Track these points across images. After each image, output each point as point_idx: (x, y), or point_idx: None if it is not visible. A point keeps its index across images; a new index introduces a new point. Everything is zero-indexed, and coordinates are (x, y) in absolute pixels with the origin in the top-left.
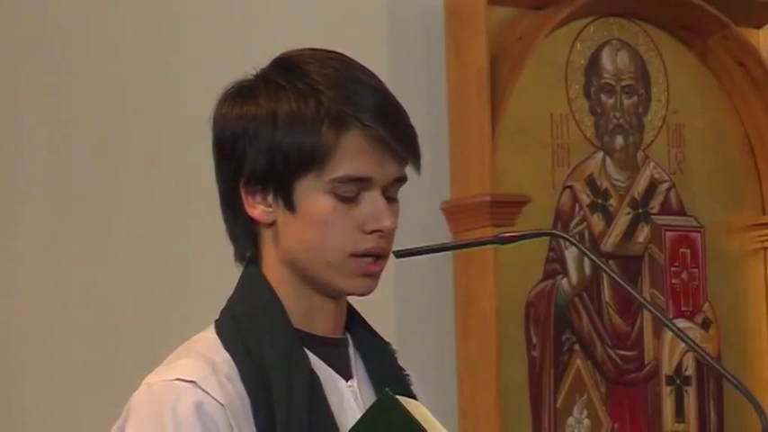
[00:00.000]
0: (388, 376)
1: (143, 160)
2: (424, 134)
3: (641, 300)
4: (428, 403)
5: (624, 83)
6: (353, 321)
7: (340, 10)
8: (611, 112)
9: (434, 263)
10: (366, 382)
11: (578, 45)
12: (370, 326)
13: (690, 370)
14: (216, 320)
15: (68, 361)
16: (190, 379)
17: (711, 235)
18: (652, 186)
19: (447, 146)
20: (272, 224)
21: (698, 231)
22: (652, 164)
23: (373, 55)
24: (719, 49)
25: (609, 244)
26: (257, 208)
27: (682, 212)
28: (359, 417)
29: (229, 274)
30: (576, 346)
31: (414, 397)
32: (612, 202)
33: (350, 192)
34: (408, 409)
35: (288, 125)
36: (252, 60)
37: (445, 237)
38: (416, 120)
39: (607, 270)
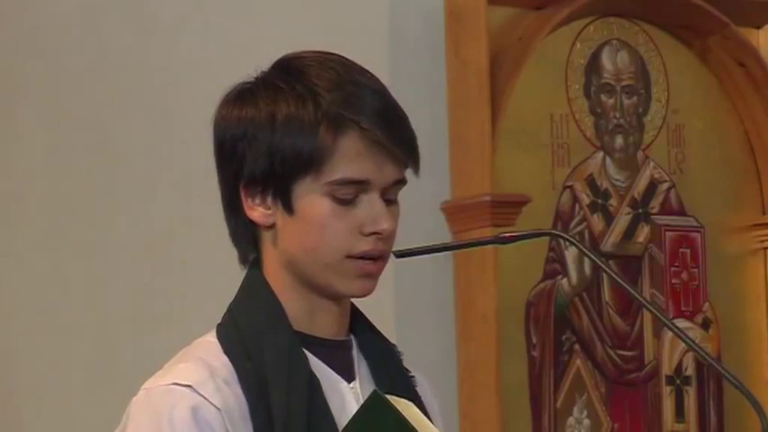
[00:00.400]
0: (392, 378)
1: (143, 160)
2: (424, 134)
3: (641, 300)
4: (440, 410)
5: (624, 83)
6: (358, 323)
7: (340, 10)
8: (611, 112)
9: (434, 263)
10: (369, 384)
11: (578, 45)
12: (375, 327)
13: (690, 370)
14: (218, 324)
15: (68, 361)
16: (186, 383)
17: (711, 235)
18: (652, 186)
19: (447, 146)
20: (272, 226)
21: (698, 231)
22: (652, 164)
23: (373, 55)
24: (719, 49)
25: (609, 244)
26: (257, 210)
27: (682, 212)
28: None
29: (230, 275)
30: (576, 346)
31: (418, 399)
32: (612, 202)
33: (348, 194)
34: (398, 408)
35: (286, 128)
36: (253, 62)
37: (445, 237)
38: (416, 120)
39: (607, 270)
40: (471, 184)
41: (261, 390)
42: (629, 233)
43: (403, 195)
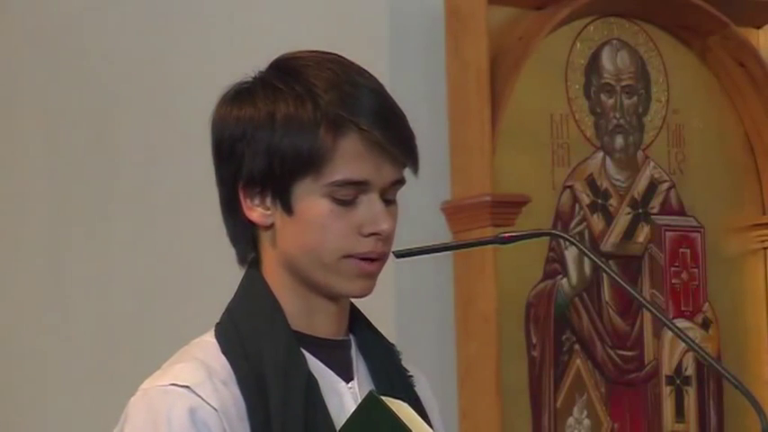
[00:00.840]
0: (390, 378)
1: (143, 161)
2: (423, 134)
3: (641, 300)
4: (439, 407)
5: (624, 83)
6: (357, 323)
7: (340, 10)
8: (611, 112)
9: (434, 263)
10: (368, 384)
11: (578, 45)
12: (374, 327)
13: (690, 370)
14: (216, 323)
15: (68, 361)
16: (184, 384)
17: (711, 235)
18: (652, 186)
19: (447, 146)
20: (271, 227)
21: (698, 231)
22: (652, 164)
23: (373, 55)
24: (719, 49)
25: (609, 244)
26: (255, 211)
27: (682, 212)
28: None
29: (230, 275)
30: (576, 346)
31: (416, 399)
32: (612, 202)
33: (347, 195)
34: (393, 409)
35: (285, 127)
36: (252, 61)
37: (445, 237)
38: (416, 120)
39: (607, 270)
40: (471, 184)
41: (259, 390)
42: (629, 233)
43: (403, 195)
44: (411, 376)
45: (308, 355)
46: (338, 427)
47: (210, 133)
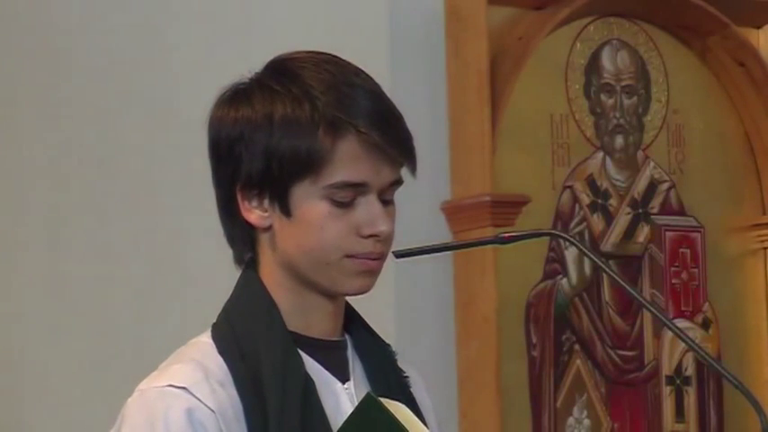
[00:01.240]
0: (386, 378)
1: (143, 161)
2: (423, 134)
3: (641, 300)
4: (432, 405)
5: (624, 83)
6: (353, 323)
7: (340, 10)
8: (611, 112)
9: (434, 263)
10: (364, 384)
11: (578, 45)
12: (370, 327)
13: (690, 370)
14: (213, 324)
15: (68, 361)
16: (181, 385)
17: (711, 235)
18: (652, 186)
19: (447, 146)
20: (269, 228)
21: (698, 231)
22: (652, 164)
23: (374, 55)
24: (719, 49)
25: (609, 244)
26: (253, 212)
27: (682, 212)
28: None
29: (228, 276)
30: (576, 346)
31: (413, 400)
32: (612, 202)
33: (346, 197)
34: (390, 410)
35: (283, 129)
36: (251, 62)
37: (445, 237)
38: (416, 120)
39: (607, 270)
40: (471, 184)
41: (256, 391)
42: (629, 233)
43: (403, 195)
44: (407, 377)
45: (304, 356)
46: (335, 428)
47: (207, 134)
